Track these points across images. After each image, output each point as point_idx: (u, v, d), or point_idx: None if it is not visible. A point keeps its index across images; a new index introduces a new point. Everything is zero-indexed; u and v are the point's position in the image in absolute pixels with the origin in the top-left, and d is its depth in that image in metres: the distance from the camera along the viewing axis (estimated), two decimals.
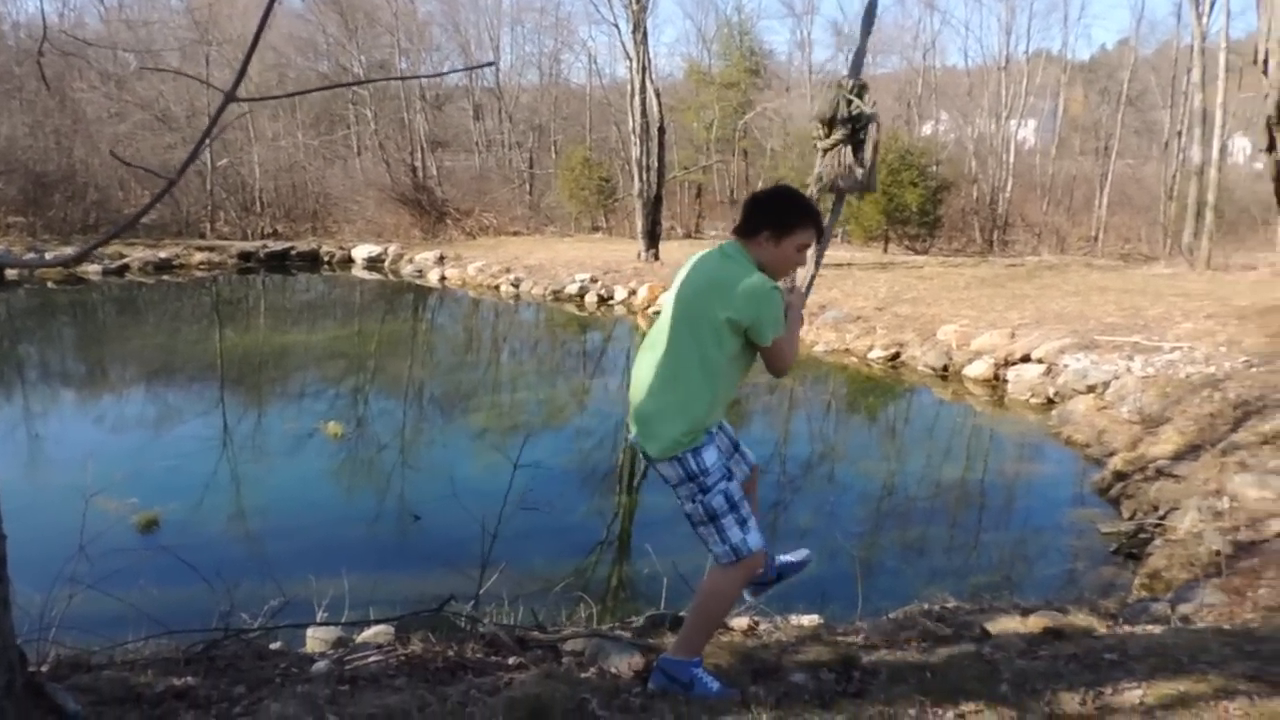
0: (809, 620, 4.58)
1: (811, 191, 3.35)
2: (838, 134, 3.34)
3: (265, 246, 25.29)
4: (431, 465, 9.17)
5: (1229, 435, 8.97)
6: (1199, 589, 6.04)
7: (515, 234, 29.99)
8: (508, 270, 21.70)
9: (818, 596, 5.39)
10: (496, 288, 21.09)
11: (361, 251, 25.56)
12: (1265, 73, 3.82)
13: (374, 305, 20.45)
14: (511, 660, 3.17)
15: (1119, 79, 37.34)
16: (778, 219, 3.00)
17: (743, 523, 3.01)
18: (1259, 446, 8.43)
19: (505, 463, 8.71)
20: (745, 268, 2.96)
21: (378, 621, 3.69)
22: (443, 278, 22.70)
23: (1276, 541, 6.52)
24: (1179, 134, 28.98)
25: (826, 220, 3.25)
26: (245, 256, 24.34)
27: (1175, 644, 3.56)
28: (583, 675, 3.05)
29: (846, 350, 14.28)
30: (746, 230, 3.04)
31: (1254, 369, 10.60)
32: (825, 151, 3.52)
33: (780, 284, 3.05)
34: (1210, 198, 21.76)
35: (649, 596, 5.59)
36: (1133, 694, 3.00)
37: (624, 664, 3.11)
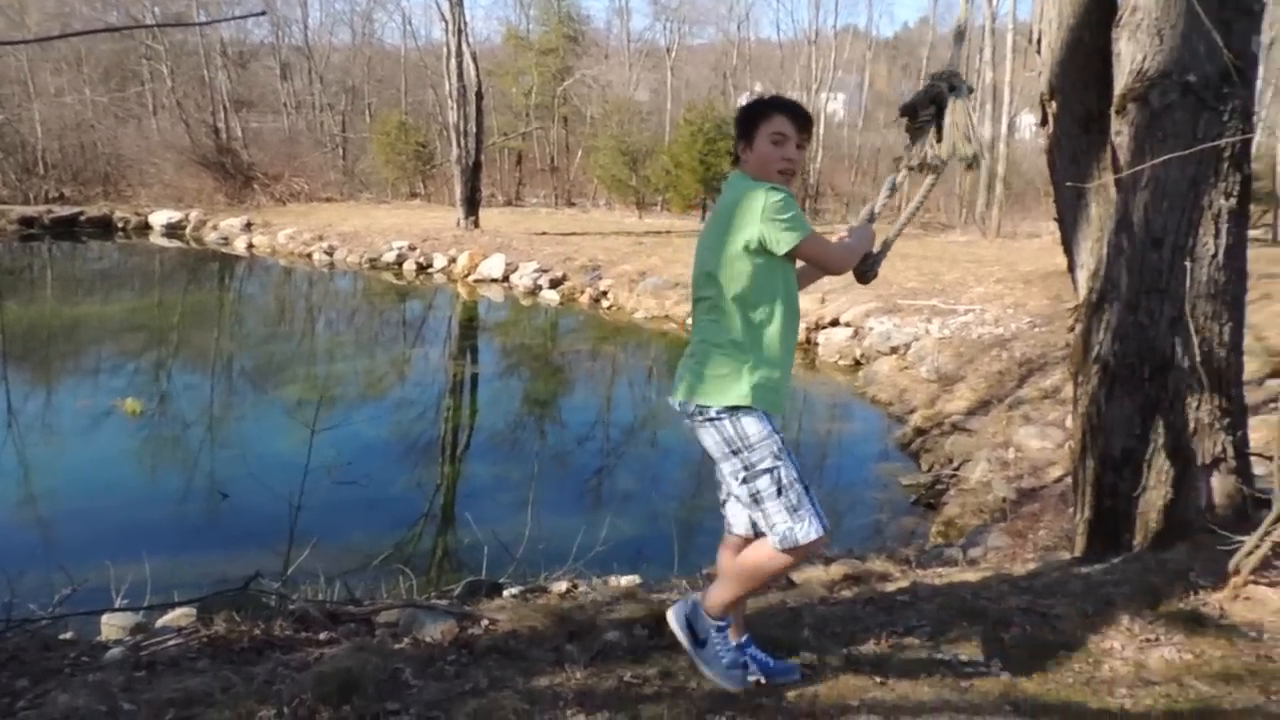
0: (627, 580, 4.68)
1: (901, 176, 3.22)
2: (923, 116, 3.24)
3: (50, 211, 23.44)
4: (242, 441, 8.79)
5: (1015, 391, 9.68)
6: (987, 533, 6.53)
7: (328, 200, 28.90)
8: (321, 238, 20.92)
9: (637, 557, 5.52)
10: (309, 256, 20.30)
11: (160, 218, 24.04)
12: (1038, 52, 4.11)
13: (176, 275, 19.31)
14: (323, 635, 3.10)
15: (919, 55, 39.30)
16: (741, 127, 2.81)
17: (793, 509, 2.59)
18: (1040, 400, 9.12)
19: (319, 437, 8.53)
20: (738, 188, 2.71)
21: (179, 604, 3.52)
22: (250, 246, 21.67)
23: (1054, 487, 7.09)
24: (972, 110, 30.72)
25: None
26: (27, 222, 22.49)
27: (961, 584, 3.84)
28: (396, 646, 3.01)
29: (667, 316, 14.53)
30: (734, 159, 2.89)
31: (1037, 329, 11.45)
32: (913, 137, 3.40)
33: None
34: (1000, 170, 23.30)
35: (471, 565, 5.57)
36: (922, 631, 3.22)
37: (439, 632, 3.09)
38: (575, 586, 4.24)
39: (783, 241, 2.60)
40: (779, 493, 2.59)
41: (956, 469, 7.94)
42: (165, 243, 22.79)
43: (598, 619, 3.24)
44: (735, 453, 2.61)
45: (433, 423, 9.86)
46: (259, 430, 9.02)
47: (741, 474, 2.62)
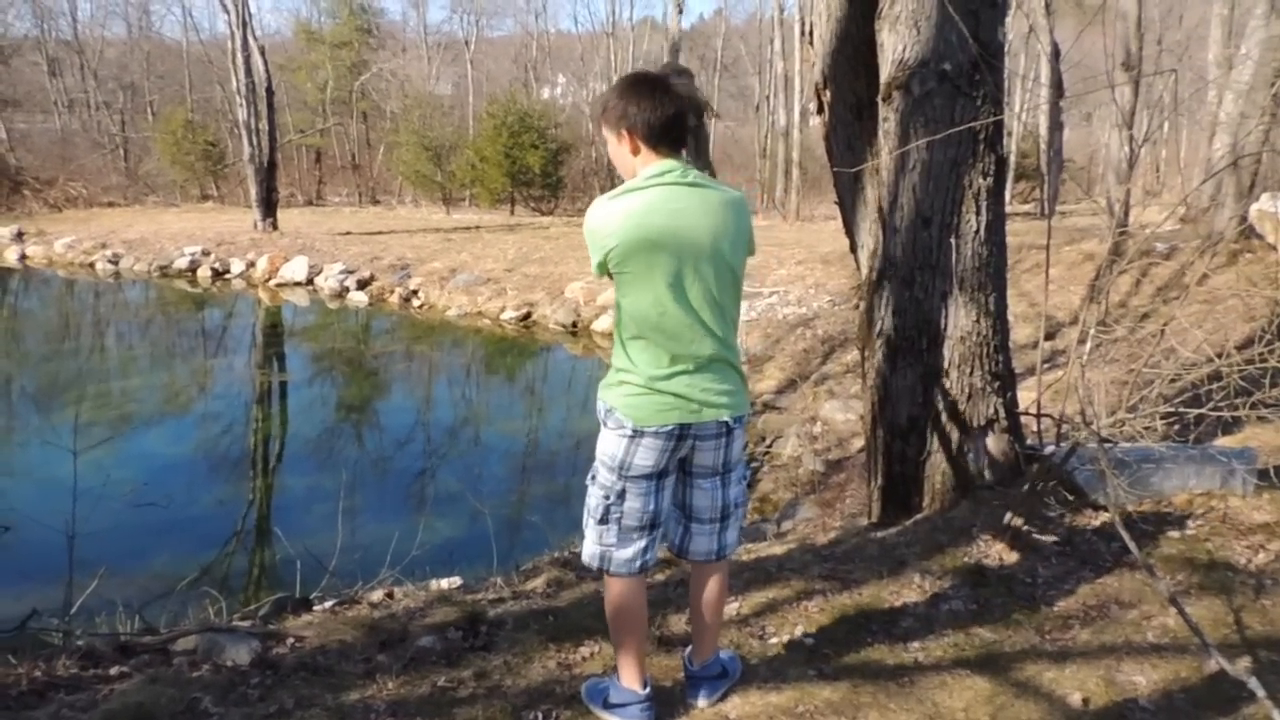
0: (448, 583, 4.63)
1: None
2: (690, 119, 3.25)
3: None
4: (25, 468, 8.14)
5: (820, 367, 10.12)
6: (799, 506, 6.81)
7: (110, 205, 27.09)
8: (104, 246, 19.56)
9: (457, 559, 5.46)
10: (92, 265, 18.94)
11: None
12: (811, 43, 4.30)
13: None
14: (114, 671, 2.91)
15: (714, 47, 40.29)
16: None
17: None
18: (843, 375, 9.57)
19: (113, 458, 8.01)
20: (725, 189, 2.52)
21: None
22: (24, 257, 19.99)
23: (858, 457, 7.46)
24: (767, 99, 31.88)
25: None
26: None
27: (768, 557, 4.00)
28: (194, 674, 2.86)
29: (479, 313, 14.39)
30: (683, 141, 2.50)
31: (837, 307, 11.99)
32: None
33: None
34: (795, 156, 24.25)
35: (285, 582, 5.37)
36: (730, 607, 3.33)
37: (243, 654, 2.97)
38: (391, 595, 4.16)
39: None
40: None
41: (769, 446, 8.22)
42: None
43: (410, 626, 3.19)
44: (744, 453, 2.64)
45: (240, 436, 9.43)
46: (45, 456, 8.36)
47: (745, 474, 2.67)
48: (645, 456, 2.48)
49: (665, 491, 2.58)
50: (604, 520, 2.55)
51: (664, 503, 2.59)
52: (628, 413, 2.45)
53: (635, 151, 2.45)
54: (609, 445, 2.51)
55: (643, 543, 2.57)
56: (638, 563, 2.58)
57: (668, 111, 2.40)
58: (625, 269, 2.40)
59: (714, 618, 2.72)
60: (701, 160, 3.36)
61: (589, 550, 2.61)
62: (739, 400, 2.53)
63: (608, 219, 2.41)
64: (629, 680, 2.62)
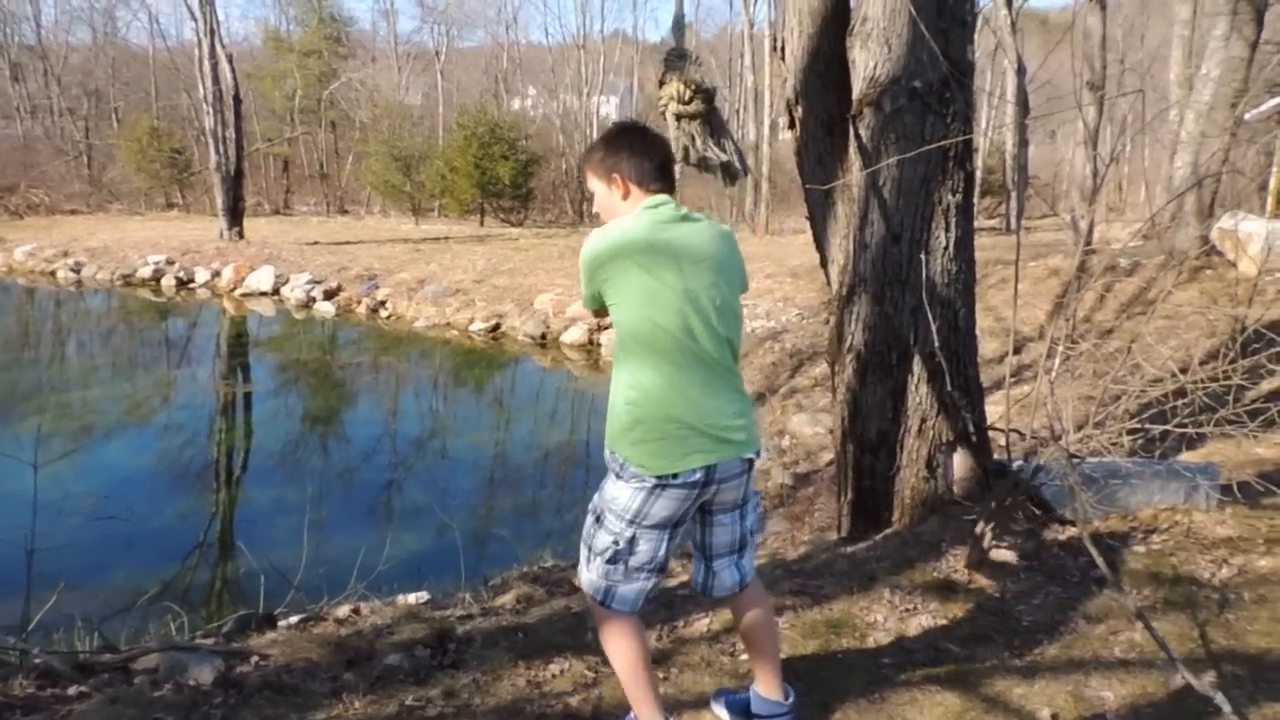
0: (415, 598, 4.58)
1: (678, 167, 3.01)
2: (698, 104, 3.14)
3: None
4: None
5: (789, 381, 10.14)
6: (768, 520, 6.80)
7: (73, 212, 26.80)
8: (66, 254, 19.31)
9: (424, 573, 5.41)
10: (53, 274, 18.69)
11: None
12: (783, 59, 4.32)
13: None
14: (72, 691, 2.85)
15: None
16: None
17: None
18: (811, 389, 9.59)
19: (73, 471, 7.87)
20: (716, 225, 2.53)
21: None
22: None
23: (827, 470, 7.47)
24: (737, 112, 32.06)
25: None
26: None
27: None
28: (156, 694, 2.81)
29: (448, 324, 14.32)
30: (674, 184, 2.51)
31: (806, 320, 12.04)
32: (680, 119, 3.23)
33: None
34: (765, 170, 24.39)
35: (248, 597, 5.28)
36: (701, 624, 3.32)
37: (205, 673, 2.91)
38: (358, 611, 4.10)
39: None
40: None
41: None
42: None
43: (378, 643, 3.15)
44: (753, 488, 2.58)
45: (203, 448, 9.30)
46: (2, 468, 8.19)
47: (759, 502, 2.61)
48: (665, 508, 2.36)
49: (678, 538, 2.48)
50: (612, 561, 2.43)
51: (675, 547, 2.48)
52: (645, 463, 2.32)
53: (626, 195, 2.43)
54: (622, 496, 2.38)
55: (650, 582, 2.47)
56: (640, 601, 2.48)
57: (657, 158, 2.42)
58: (622, 297, 2.33)
59: (774, 641, 2.64)
60: (724, 139, 3.28)
61: (592, 583, 2.48)
62: (754, 432, 2.45)
63: (602, 249, 2.34)
64: (649, 716, 2.49)
